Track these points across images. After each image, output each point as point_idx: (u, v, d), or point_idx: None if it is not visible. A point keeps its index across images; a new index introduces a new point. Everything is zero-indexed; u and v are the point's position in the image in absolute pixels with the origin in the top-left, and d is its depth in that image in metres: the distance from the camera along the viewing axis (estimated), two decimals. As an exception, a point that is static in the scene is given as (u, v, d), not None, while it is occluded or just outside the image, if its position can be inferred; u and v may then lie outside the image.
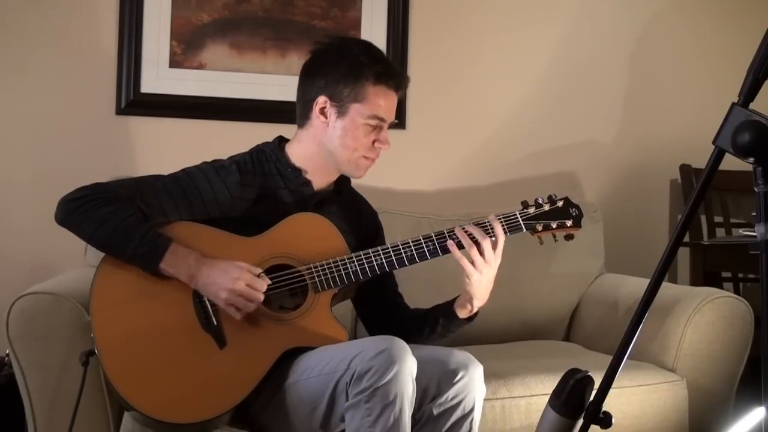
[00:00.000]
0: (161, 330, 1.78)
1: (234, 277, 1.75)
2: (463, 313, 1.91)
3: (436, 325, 1.95)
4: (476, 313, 1.93)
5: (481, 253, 1.81)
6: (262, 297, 1.77)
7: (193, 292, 1.80)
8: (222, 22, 2.81)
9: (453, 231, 1.84)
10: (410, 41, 2.97)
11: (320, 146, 1.93)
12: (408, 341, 1.70)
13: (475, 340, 2.51)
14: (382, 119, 1.91)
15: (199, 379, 1.76)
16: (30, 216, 2.63)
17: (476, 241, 1.82)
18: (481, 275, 1.82)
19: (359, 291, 1.97)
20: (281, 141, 2.01)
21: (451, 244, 1.82)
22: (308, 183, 1.96)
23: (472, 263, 1.81)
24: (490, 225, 1.84)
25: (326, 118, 1.91)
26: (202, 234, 1.85)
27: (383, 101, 1.91)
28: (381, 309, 2.06)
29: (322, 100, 1.91)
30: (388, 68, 1.93)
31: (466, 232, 1.83)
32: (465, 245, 1.82)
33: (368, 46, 1.96)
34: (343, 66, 1.89)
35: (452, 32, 3.03)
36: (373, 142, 1.92)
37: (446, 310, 1.94)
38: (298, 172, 1.95)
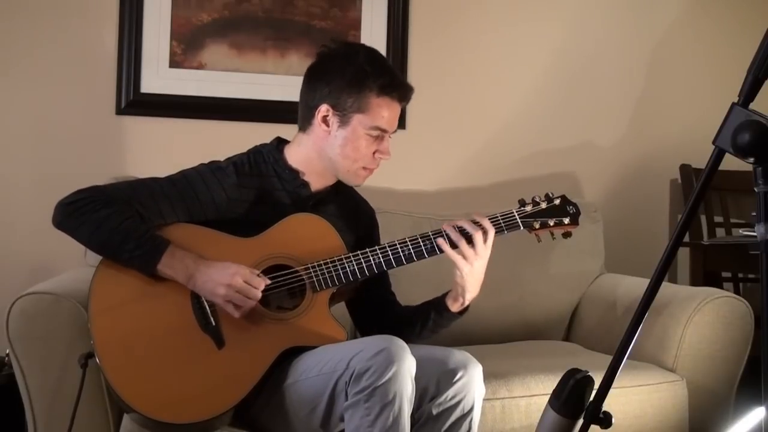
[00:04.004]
0: (160, 331, 1.78)
1: (231, 273, 1.75)
2: (455, 307, 1.91)
3: (427, 321, 1.95)
4: (467, 307, 1.93)
5: (472, 246, 1.82)
6: (259, 294, 1.77)
7: (191, 293, 1.80)
8: (222, 22, 2.80)
9: (444, 229, 1.85)
10: (410, 41, 2.97)
11: (320, 153, 1.93)
12: (400, 338, 1.70)
13: (475, 340, 2.51)
14: (384, 130, 1.91)
15: (199, 380, 1.76)
16: (30, 216, 2.63)
17: (467, 234, 1.83)
18: (472, 267, 1.83)
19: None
20: (279, 142, 2.00)
21: (441, 241, 1.83)
22: (306, 185, 1.95)
23: (464, 256, 1.82)
24: (477, 220, 1.85)
25: (328, 126, 1.90)
26: (199, 235, 1.84)
27: (386, 112, 1.90)
28: (373, 307, 2.05)
29: (324, 108, 1.89)
30: (393, 79, 1.91)
31: (455, 227, 1.84)
32: (454, 239, 1.82)
33: (374, 55, 1.94)
34: (347, 74, 1.88)
35: (452, 32, 3.03)
36: (374, 153, 1.92)
37: (437, 304, 1.94)
38: (295, 174, 1.94)
